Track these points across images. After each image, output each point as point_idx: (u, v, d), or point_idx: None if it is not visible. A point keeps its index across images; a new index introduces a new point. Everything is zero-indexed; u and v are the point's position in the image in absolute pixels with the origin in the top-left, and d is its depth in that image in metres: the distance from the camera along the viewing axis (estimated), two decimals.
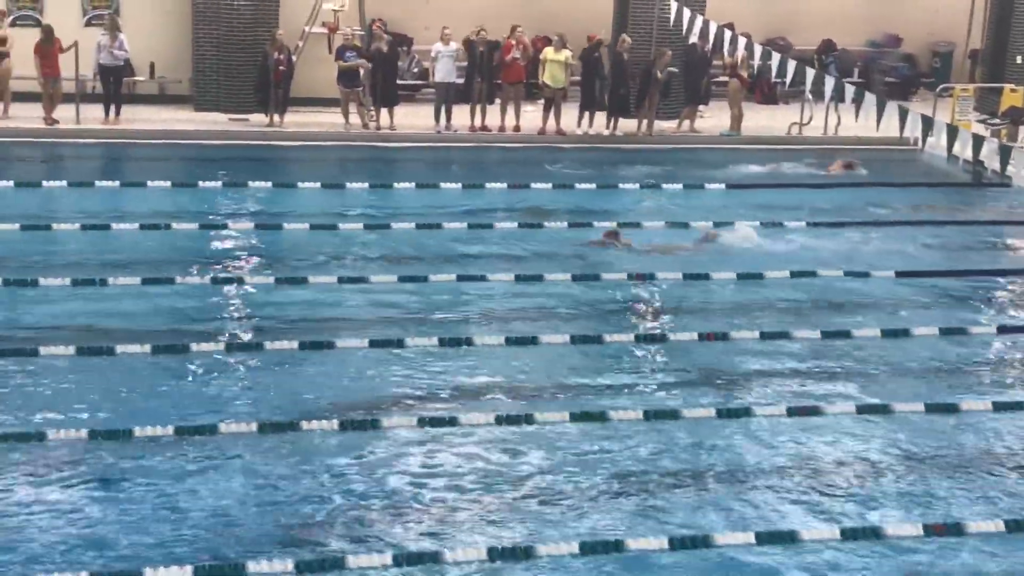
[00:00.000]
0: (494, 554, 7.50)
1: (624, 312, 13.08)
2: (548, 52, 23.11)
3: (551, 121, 23.10)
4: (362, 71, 22.58)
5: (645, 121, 23.40)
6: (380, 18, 24.09)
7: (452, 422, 9.38)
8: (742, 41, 19.78)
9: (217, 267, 13.65)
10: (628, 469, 9.26)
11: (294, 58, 23.07)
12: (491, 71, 23.01)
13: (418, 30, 25.62)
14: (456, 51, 22.89)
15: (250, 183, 16.33)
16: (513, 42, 23.18)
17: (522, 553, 7.55)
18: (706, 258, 14.30)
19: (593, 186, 17.30)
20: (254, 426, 9.07)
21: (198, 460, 8.89)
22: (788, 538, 8.00)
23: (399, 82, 23.83)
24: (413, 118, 23.30)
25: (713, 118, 24.47)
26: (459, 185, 16.98)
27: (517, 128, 23.23)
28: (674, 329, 12.41)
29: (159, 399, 10.05)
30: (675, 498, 8.87)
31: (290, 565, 7.15)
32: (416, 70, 25.94)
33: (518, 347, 11.15)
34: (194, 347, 10.82)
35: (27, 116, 21.59)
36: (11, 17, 23.01)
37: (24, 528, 7.90)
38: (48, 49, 21.41)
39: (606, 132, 23.41)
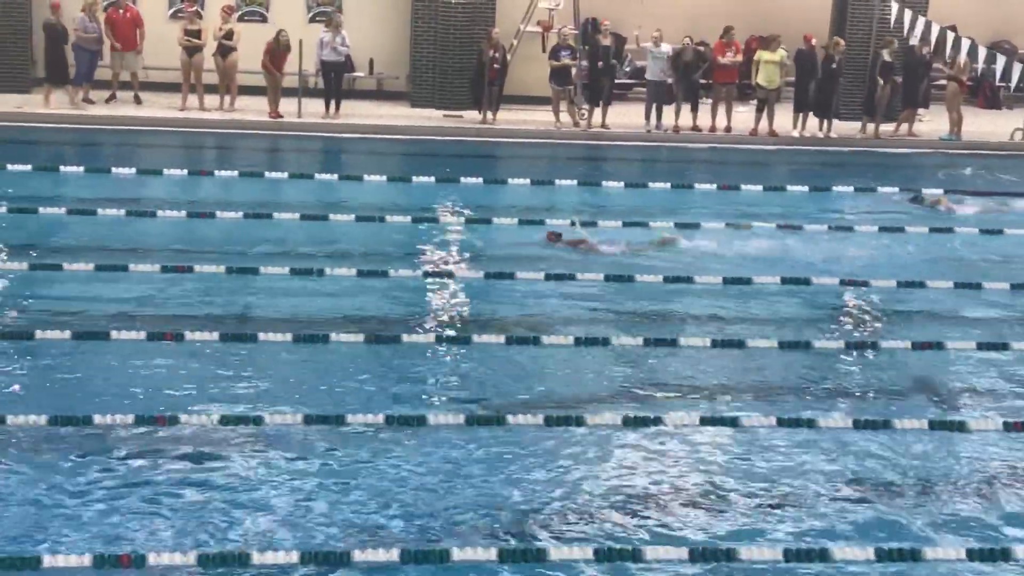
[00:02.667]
0: (695, 555, 7.45)
1: (835, 317, 12.84)
2: (762, 53, 22.82)
3: (763, 122, 22.81)
4: (574, 70, 22.68)
5: (871, 125, 22.96)
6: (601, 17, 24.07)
7: (656, 421, 9.35)
8: (965, 43, 19.19)
9: (428, 261, 13.89)
10: (839, 476, 9.09)
11: (509, 56, 23.33)
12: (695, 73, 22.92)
13: (631, 30, 25.58)
14: (668, 52, 22.80)
15: (462, 179, 16.57)
16: (726, 43, 22.99)
17: (723, 555, 7.48)
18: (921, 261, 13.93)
19: (805, 188, 16.99)
20: (461, 418, 9.22)
21: (407, 448, 9.08)
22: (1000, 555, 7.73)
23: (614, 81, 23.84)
24: (624, 117, 23.31)
25: (932, 122, 23.81)
26: (667, 185, 16.90)
27: (728, 129, 23.02)
28: (886, 336, 12.13)
29: (371, 388, 10.29)
30: (876, 509, 8.67)
31: (494, 554, 7.25)
32: (628, 69, 25.93)
33: (724, 349, 11.05)
34: (405, 338, 11.05)
35: (253, 109, 22.39)
36: (239, 13, 23.90)
37: (244, 506, 8.18)
38: (279, 52, 22.16)
39: (820, 135, 23.01)
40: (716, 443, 9.49)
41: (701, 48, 23.53)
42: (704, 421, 9.44)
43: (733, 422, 9.48)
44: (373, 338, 10.74)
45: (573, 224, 14.70)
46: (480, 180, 16.66)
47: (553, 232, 14.77)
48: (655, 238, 14.76)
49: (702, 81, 23.27)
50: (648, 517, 8.41)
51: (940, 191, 16.27)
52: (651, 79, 22.88)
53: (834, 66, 22.52)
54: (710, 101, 23.20)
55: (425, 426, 9.06)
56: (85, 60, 22.49)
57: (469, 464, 8.95)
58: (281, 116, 22.24)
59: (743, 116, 23.27)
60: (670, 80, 22.80)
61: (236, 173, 16.79)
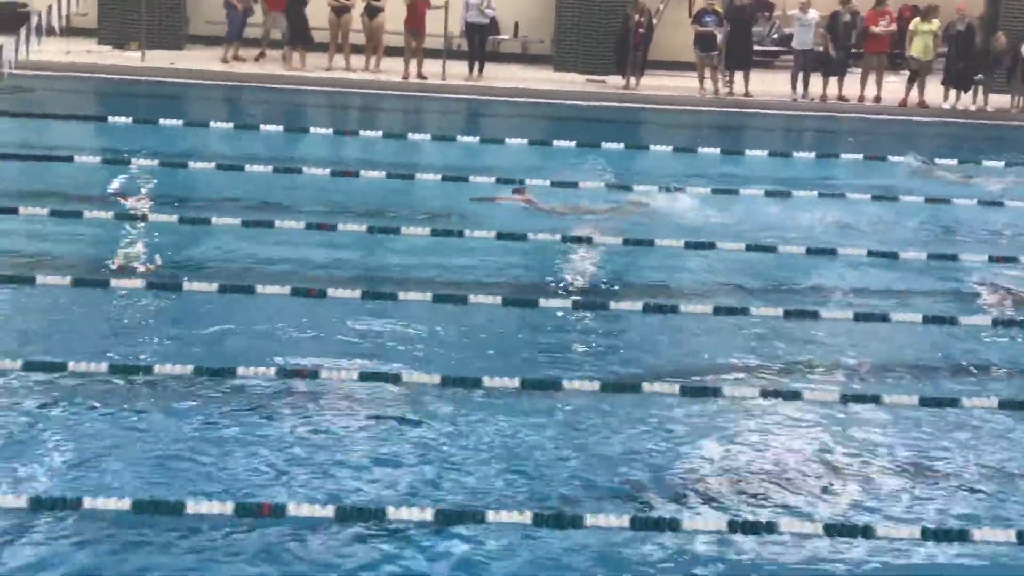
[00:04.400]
0: (831, 530, 7.33)
1: (982, 294, 12.52)
2: (918, 23, 22.26)
3: (914, 93, 22.28)
4: (719, 36, 22.39)
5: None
6: None
7: (795, 396, 9.21)
8: None
9: (566, 225, 13.87)
10: (984, 458, 8.87)
11: (654, 21, 23.12)
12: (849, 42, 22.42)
13: None
14: (815, 19, 22.38)
15: (603, 144, 16.46)
16: (879, 12, 22.47)
17: (859, 531, 7.35)
18: None
19: (954, 162, 16.54)
20: (596, 385, 9.18)
21: (540, 412, 9.08)
22: None
23: (757, 48, 23.52)
24: (768, 85, 22.96)
25: None
26: (812, 155, 16.60)
27: (877, 99, 22.53)
28: None
29: (507, 351, 10.32)
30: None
31: (626, 520, 7.24)
32: (776, 36, 25.52)
33: (867, 323, 10.82)
34: (542, 302, 11.04)
35: (397, 70, 22.56)
36: None
37: (380, 462, 8.28)
38: (416, 7, 22.27)
39: (973, 107, 22.40)
40: (857, 420, 9.31)
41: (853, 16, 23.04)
42: (845, 398, 9.27)
43: (875, 399, 9.30)
44: (510, 301, 10.77)
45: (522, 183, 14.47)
46: (621, 146, 16.56)
47: (519, 190, 14.56)
48: (626, 200, 14.43)
49: (852, 50, 22.80)
50: (782, 491, 8.29)
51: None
52: (798, 47, 22.47)
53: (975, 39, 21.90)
54: (859, 71, 22.72)
55: (561, 391, 9.05)
56: (236, 19, 22.90)
57: (601, 431, 8.92)
58: (425, 77, 22.36)
59: (892, 86, 22.75)
60: (819, 48, 22.37)
61: (379, 133, 16.92)
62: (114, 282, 10.94)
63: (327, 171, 14.31)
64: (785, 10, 24.56)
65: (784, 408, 9.33)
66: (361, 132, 17.16)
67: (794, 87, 22.44)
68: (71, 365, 8.54)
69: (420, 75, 22.38)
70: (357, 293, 10.34)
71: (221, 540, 7.04)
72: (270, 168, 14.40)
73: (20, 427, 8.35)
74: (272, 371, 8.84)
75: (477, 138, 17.96)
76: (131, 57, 22.57)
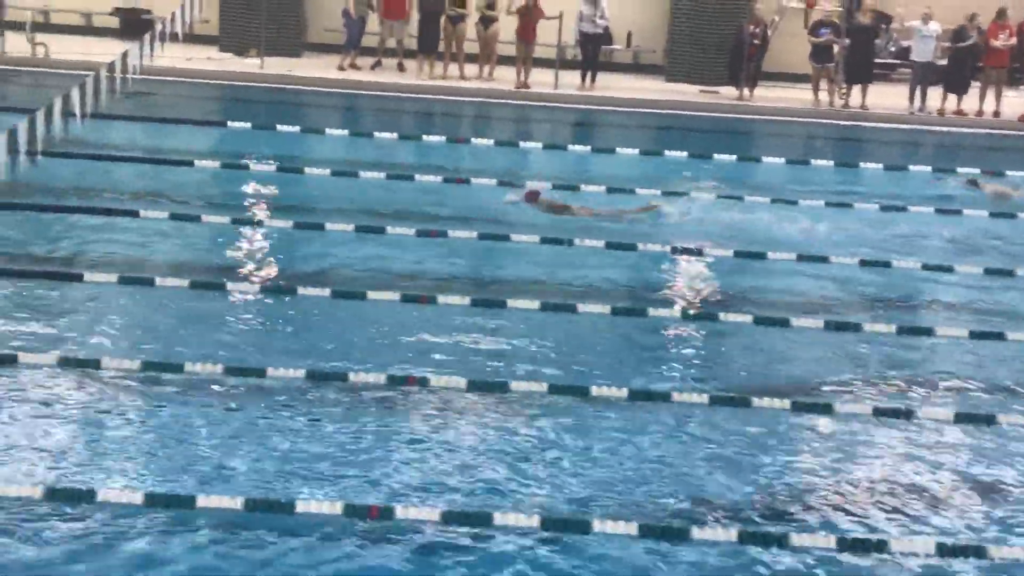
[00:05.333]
0: (943, 550, 7.21)
1: None
2: None
3: None
4: (836, 48, 22.14)
5: None
6: None
7: (907, 415, 9.07)
8: None
9: (677, 235, 13.80)
10: None
11: (769, 32, 22.94)
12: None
13: (895, 7, 24.82)
14: (937, 31, 22.03)
15: (715, 155, 16.41)
16: (999, 25, 22.06)
17: (972, 552, 7.23)
18: None
19: None
20: (705, 398, 9.15)
21: (650, 423, 9.04)
22: None
23: (876, 60, 23.23)
24: (885, 98, 22.66)
25: None
26: (928, 168, 16.41)
27: (997, 113, 22.11)
28: None
29: (616, 360, 10.30)
30: None
31: (734, 534, 7.20)
32: (893, 49, 25.17)
33: (982, 341, 10.63)
34: (651, 312, 11.03)
35: (509, 79, 22.68)
36: None
37: (484, 465, 8.31)
38: (529, 18, 22.35)
39: None
40: (970, 440, 9.13)
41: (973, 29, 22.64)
42: (959, 418, 9.10)
43: (989, 420, 9.12)
44: (620, 310, 10.77)
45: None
46: (734, 157, 16.48)
47: (533, 191, 14.37)
48: (640, 204, 14.30)
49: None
50: (893, 509, 8.16)
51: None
52: (917, 59, 22.14)
53: None
54: (978, 85, 22.33)
55: (668, 402, 9.03)
56: (354, 28, 23.22)
57: (713, 444, 8.86)
58: (529, 87, 22.41)
59: (1012, 101, 22.31)
60: (938, 61, 22.04)
61: (491, 141, 17.07)
62: (230, 286, 11.15)
63: (439, 178, 14.55)
64: (903, 23, 24.20)
65: (897, 426, 9.18)
66: (473, 140, 17.30)
67: (912, 100, 22.13)
68: (187, 367, 8.76)
69: (524, 84, 22.47)
70: (466, 300, 10.46)
71: (330, 540, 7.13)
72: (383, 175, 14.61)
73: (135, 425, 8.54)
74: (383, 377, 8.96)
75: (588, 147, 18.10)
76: (250, 64, 22.97)
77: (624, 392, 8.97)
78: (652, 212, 14.33)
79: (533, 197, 14.30)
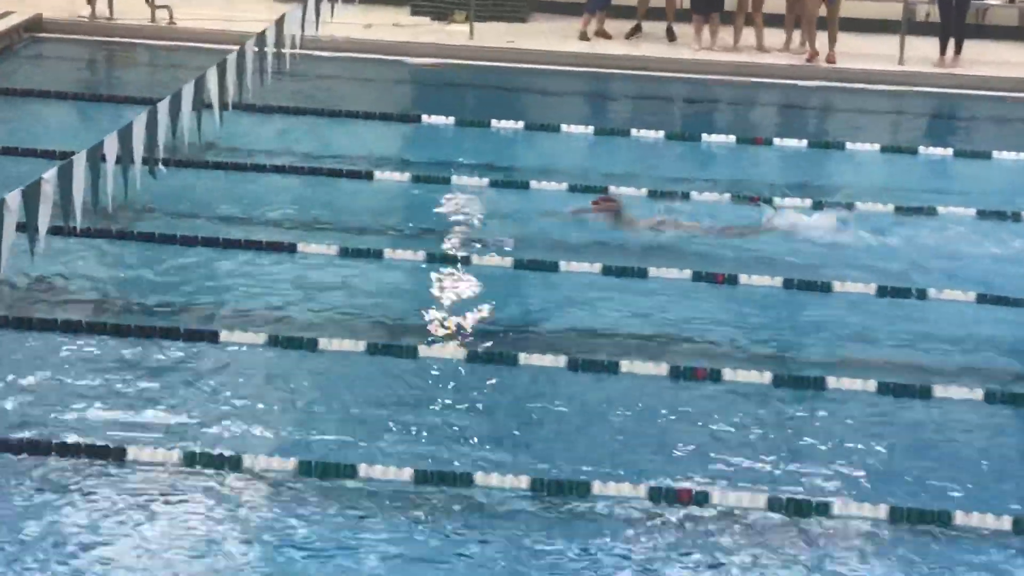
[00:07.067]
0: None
1: None
2: None
3: None
4: None
5: None
6: None
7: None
8: None
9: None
10: None
11: None
12: None
13: None
14: None
15: None
16: None
17: None
18: None
19: None
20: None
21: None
22: None
23: None
24: None
25: None
26: None
27: None
28: None
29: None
30: None
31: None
32: None
33: None
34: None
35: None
36: None
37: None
38: None
39: None
40: None
41: None
42: None
43: None
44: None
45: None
46: None
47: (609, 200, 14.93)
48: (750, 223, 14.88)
49: None
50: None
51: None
52: None
53: None
54: None
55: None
56: None
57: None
58: (834, 61, 22.15)
59: None
60: None
61: (802, 143, 17.09)
62: (424, 350, 11.43)
63: (723, 196, 14.70)
64: None
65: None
66: (775, 141, 17.35)
67: None
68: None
69: (827, 57, 22.15)
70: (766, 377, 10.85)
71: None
72: (643, 190, 14.78)
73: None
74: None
75: (950, 150, 17.89)
76: (455, 32, 23.32)
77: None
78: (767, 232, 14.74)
79: (611, 208, 14.78)
